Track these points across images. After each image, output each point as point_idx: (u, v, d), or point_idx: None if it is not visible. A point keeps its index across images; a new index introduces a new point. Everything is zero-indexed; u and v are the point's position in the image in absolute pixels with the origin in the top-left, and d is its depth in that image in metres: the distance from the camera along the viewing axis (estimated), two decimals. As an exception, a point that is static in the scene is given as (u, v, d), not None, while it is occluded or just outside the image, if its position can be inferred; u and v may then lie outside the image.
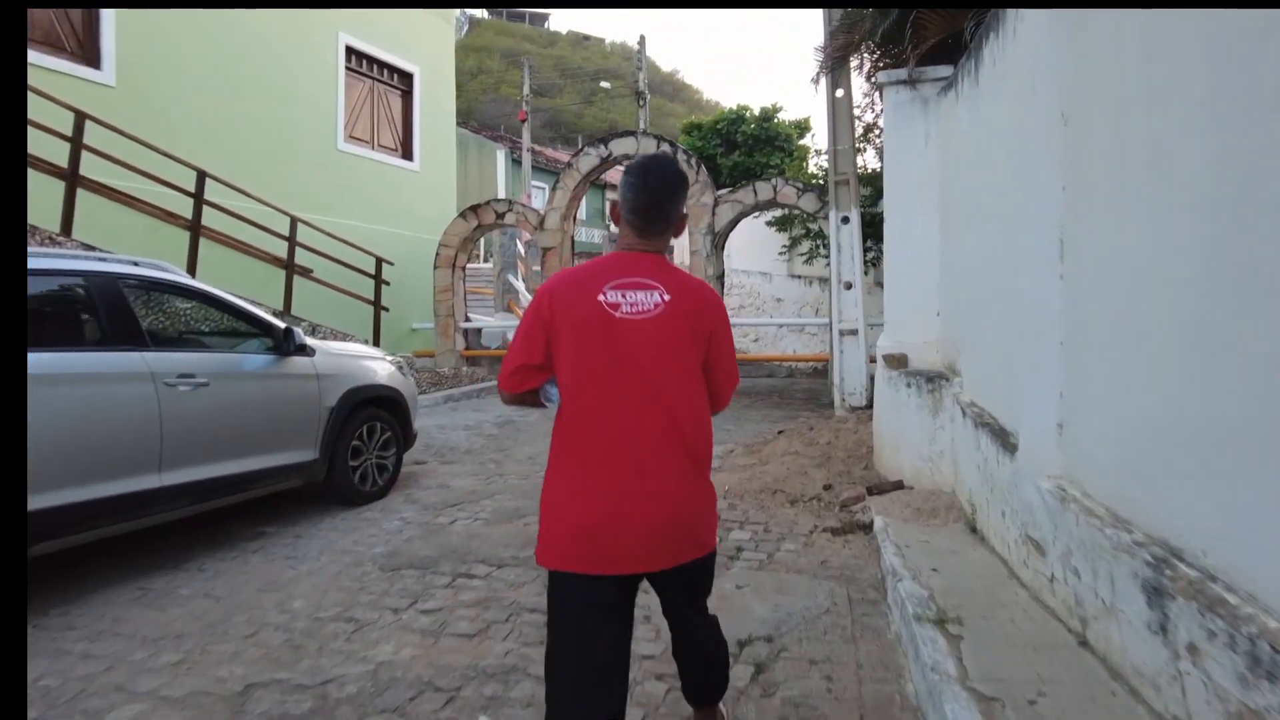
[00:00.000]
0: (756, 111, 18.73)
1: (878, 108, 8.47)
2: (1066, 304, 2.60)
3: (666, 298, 1.67)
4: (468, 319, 11.79)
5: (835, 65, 7.47)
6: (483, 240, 13.90)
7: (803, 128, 19.94)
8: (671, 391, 1.66)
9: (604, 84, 36.31)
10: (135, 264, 3.96)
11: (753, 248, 13.56)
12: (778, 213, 12.91)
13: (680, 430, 1.66)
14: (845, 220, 7.82)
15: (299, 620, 3.07)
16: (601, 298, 1.64)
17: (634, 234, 1.75)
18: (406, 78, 11.88)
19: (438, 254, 11.27)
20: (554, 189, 10.49)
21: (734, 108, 24.25)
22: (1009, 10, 3.28)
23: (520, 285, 13.37)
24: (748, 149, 17.45)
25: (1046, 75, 2.75)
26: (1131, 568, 1.98)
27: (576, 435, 1.65)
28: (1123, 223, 2.21)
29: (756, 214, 12.43)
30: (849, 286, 7.80)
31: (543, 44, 59.79)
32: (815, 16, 8.87)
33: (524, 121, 24.66)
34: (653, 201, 1.72)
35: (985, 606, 2.72)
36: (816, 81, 7.96)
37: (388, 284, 9.80)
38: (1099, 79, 2.37)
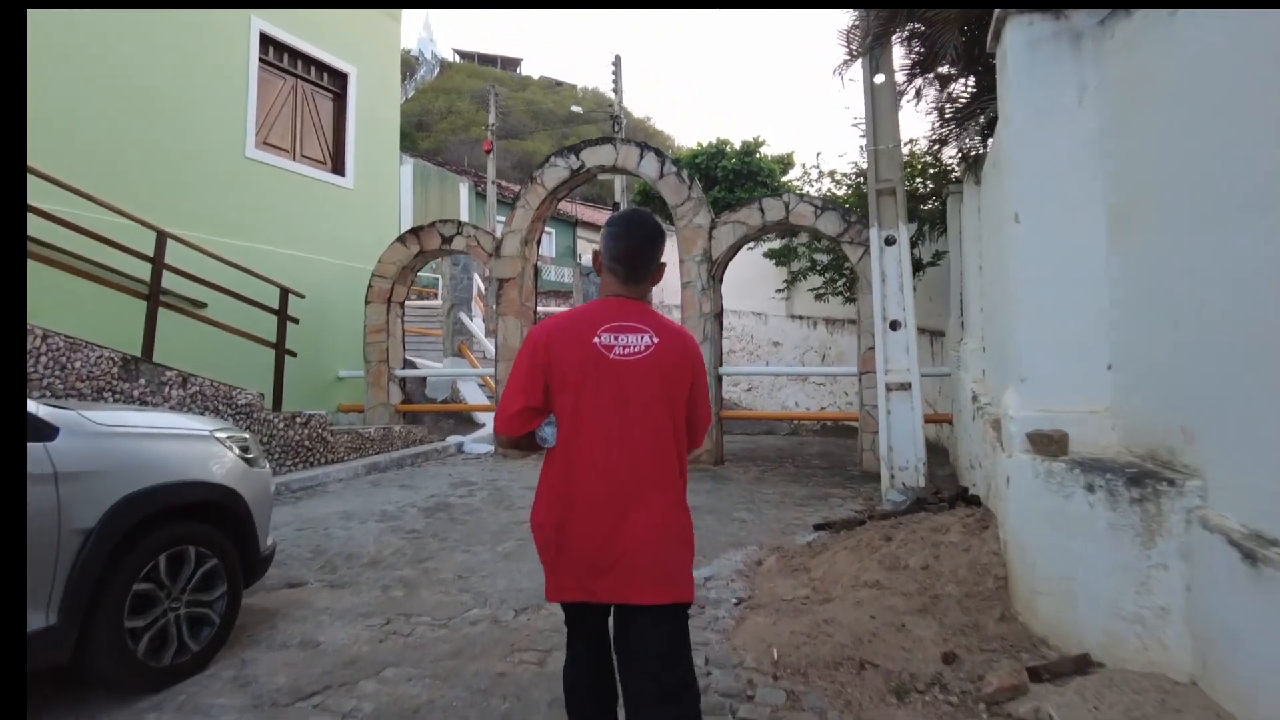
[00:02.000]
0: (738, 145, 17.33)
1: (916, 97, 6.80)
2: None
3: (655, 340, 1.82)
4: (408, 364, 9.71)
5: (875, 42, 5.77)
6: (439, 273, 11.92)
7: (786, 163, 18.58)
8: (662, 426, 1.80)
9: (575, 108, 35.12)
10: None
11: (745, 285, 11.82)
12: (777, 242, 11.21)
13: (669, 463, 1.81)
14: (890, 241, 6.04)
15: None
16: (596, 340, 1.79)
17: (618, 282, 1.89)
18: (340, 78, 10.00)
19: (370, 286, 9.25)
20: (514, 207, 8.61)
21: (714, 141, 23.02)
22: None
23: (475, 326, 11.33)
24: (728, 184, 15.98)
25: None
26: None
27: (575, 471, 1.77)
28: None
29: (762, 240, 10.71)
30: (895, 326, 5.97)
31: (514, 87, 59.79)
32: (803, 38, 7.27)
33: (489, 153, 22.98)
34: (635, 252, 1.87)
35: None
36: (845, 68, 6.27)
37: (295, 321, 7.71)
38: None
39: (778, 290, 11.72)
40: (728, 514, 5.58)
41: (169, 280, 6.50)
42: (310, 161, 9.55)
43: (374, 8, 10.62)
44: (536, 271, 8.86)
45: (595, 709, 1.91)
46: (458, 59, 66.81)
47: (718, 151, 18.20)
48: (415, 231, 9.07)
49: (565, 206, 31.60)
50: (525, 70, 66.99)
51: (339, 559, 4.53)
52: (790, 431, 10.31)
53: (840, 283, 9.56)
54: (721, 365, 7.86)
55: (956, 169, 7.66)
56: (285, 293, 7.51)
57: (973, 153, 6.90)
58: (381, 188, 10.65)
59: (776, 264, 11.38)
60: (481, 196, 23.69)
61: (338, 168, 9.96)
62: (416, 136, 43.25)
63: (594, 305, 1.85)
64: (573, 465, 1.77)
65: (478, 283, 12.79)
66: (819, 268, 9.86)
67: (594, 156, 8.23)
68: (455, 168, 28.25)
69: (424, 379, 10.51)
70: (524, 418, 1.81)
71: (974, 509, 4.25)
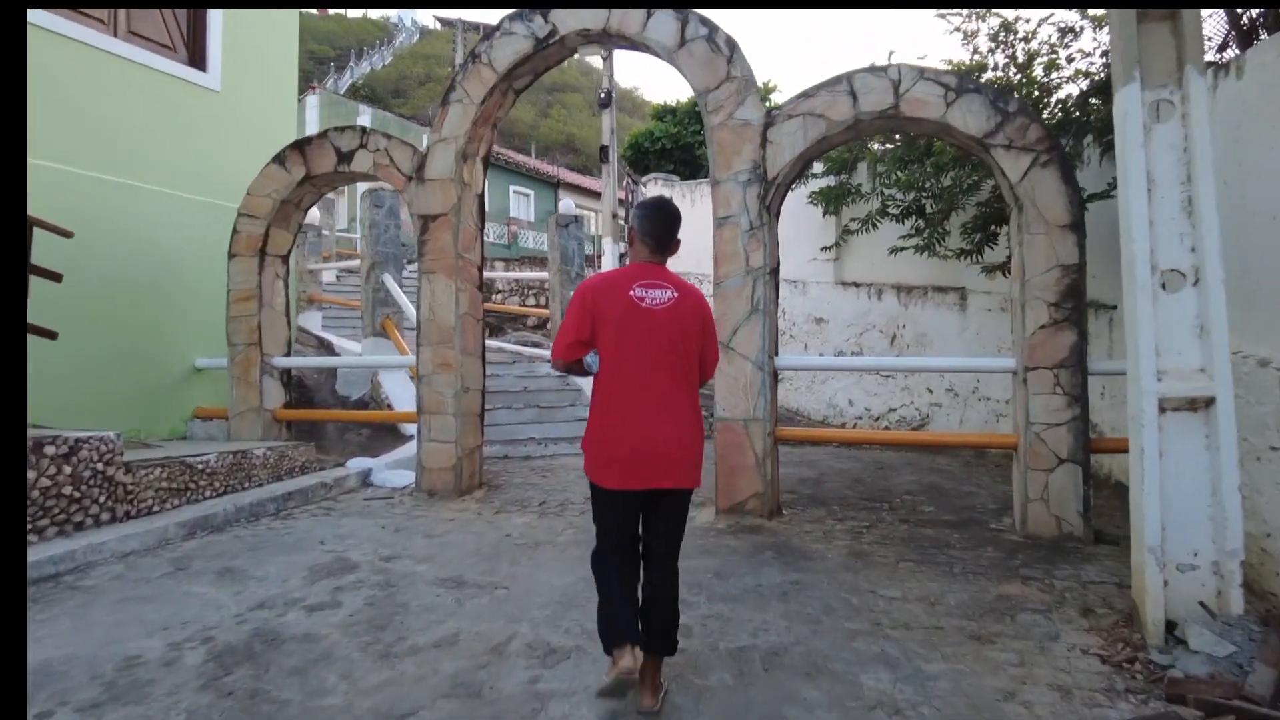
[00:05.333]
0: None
1: None
2: None
3: (675, 295, 2.45)
4: (304, 345, 6.62)
5: None
6: (361, 219, 8.77)
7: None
8: (681, 360, 2.42)
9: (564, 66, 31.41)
10: None
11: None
12: (825, 178, 8.10)
13: (688, 386, 2.46)
14: (1161, 112, 3.00)
15: None
16: (632, 293, 2.39)
17: (649, 251, 2.53)
18: (196, -77, 6.75)
19: (235, 231, 6.13)
20: (445, 103, 5.47)
21: None
22: None
23: (403, 298, 8.14)
24: None
25: None
26: None
27: (617, 390, 2.37)
28: None
29: (806, 177, 7.63)
30: (1175, 284, 2.95)
31: None
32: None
33: (455, 98, 19.63)
34: (663, 231, 2.53)
35: None
36: None
37: (56, 279, 4.54)
38: None
39: (824, 249, 8.67)
40: (848, 675, 2.60)
41: None
42: (145, 43, 6.34)
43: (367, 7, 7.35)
44: (482, 206, 5.76)
45: (621, 581, 2.39)
46: (439, 26, 62.75)
47: (725, 93, 15.56)
48: (299, 147, 5.92)
49: (546, 167, 28.28)
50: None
51: None
52: (841, 449, 7.36)
53: (945, 228, 6.48)
54: (777, 354, 4.84)
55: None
56: (29, 225, 4.33)
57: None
58: (268, 93, 7.43)
59: (825, 212, 8.35)
60: (448, 151, 20.37)
61: (195, 58, 6.74)
62: (391, 102, 40.34)
63: (631, 268, 2.50)
64: (616, 382, 2.38)
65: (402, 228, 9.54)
66: (901, 207, 6.82)
67: (573, 18, 5.10)
68: (421, 120, 24.94)
69: (334, 370, 7.40)
70: (576, 348, 2.41)
71: None
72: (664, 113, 20.45)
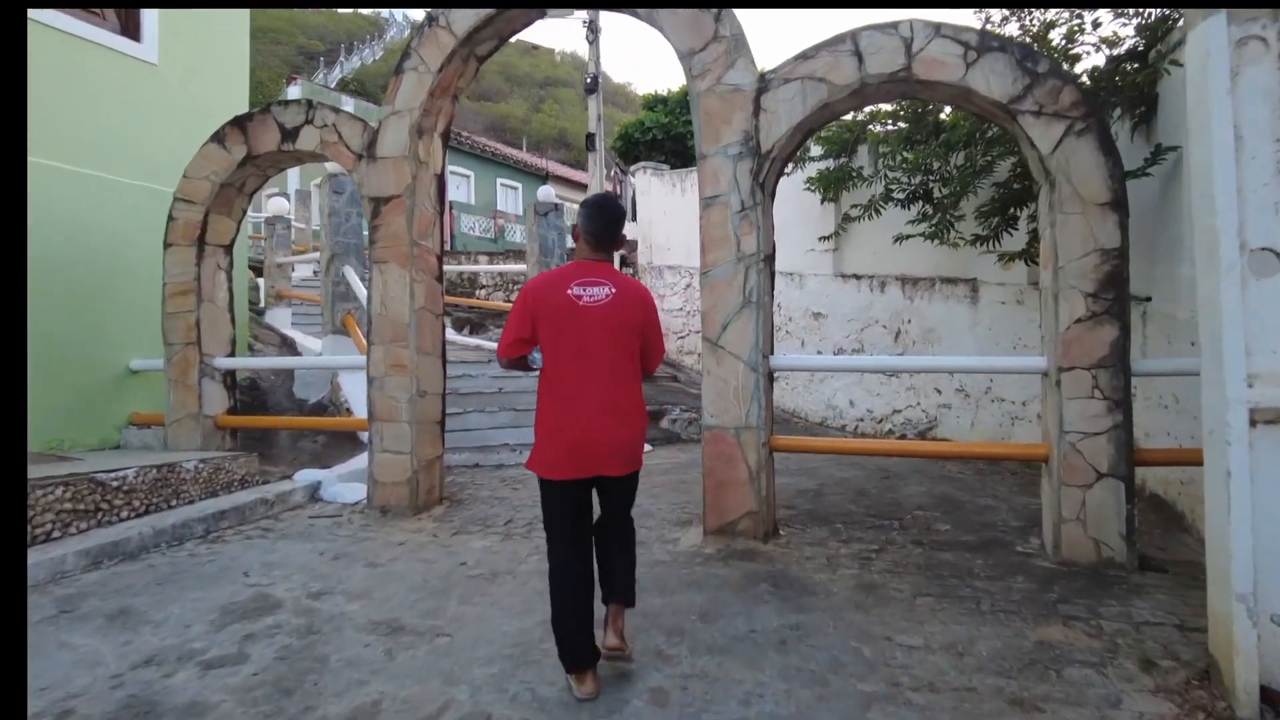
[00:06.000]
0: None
1: None
2: None
3: (613, 291, 2.50)
4: (255, 345, 6.02)
5: None
6: (323, 206, 8.14)
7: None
8: (618, 355, 2.49)
9: (554, 48, 31.05)
10: None
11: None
12: (823, 161, 7.52)
13: (625, 380, 2.52)
14: (1247, 49, 2.42)
15: None
16: (569, 291, 2.46)
17: (590, 249, 2.58)
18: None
19: (170, 219, 5.51)
20: (398, 71, 4.87)
21: None
22: None
23: (363, 290, 7.53)
24: None
25: None
26: None
27: (558, 386, 2.46)
28: None
29: (801, 160, 7.09)
30: (1257, 268, 2.37)
31: None
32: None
33: (439, 87, 18.97)
34: (602, 229, 2.58)
35: None
36: None
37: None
38: None
39: (822, 238, 8.09)
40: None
41: None
42: (70, 10, 5.70)
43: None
44: (442, 187, 5.16)
45: (577, 593, 2.48)
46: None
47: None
48: (240, 124, 5.30)
49: (534, 159, 27.62)
50: (500, 30, 62.91)
51: None
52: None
53: (956, 213, 5.89)
54: (772, 353, 4.26)
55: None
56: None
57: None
58: (214, 68, 6.80)
59: (823, 198, 7.77)
60: (432, 142, 19.71)
61: (128, 27, 6.11)
62: (381, 98, 39.75)
63: (571, 266, 2.56)
64: (557, 378, 2.46)
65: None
66: (907, 191, 6.23)
67: (540, -27, 4.50)
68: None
69: (291, 372, 6.79)
70: (518, 346, 2.49)
71: None
72: (655, 102, 19.81)
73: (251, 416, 5.91)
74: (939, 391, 6.87)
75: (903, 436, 7.04)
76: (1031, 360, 4.08)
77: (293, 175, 18.91)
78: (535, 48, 60.76)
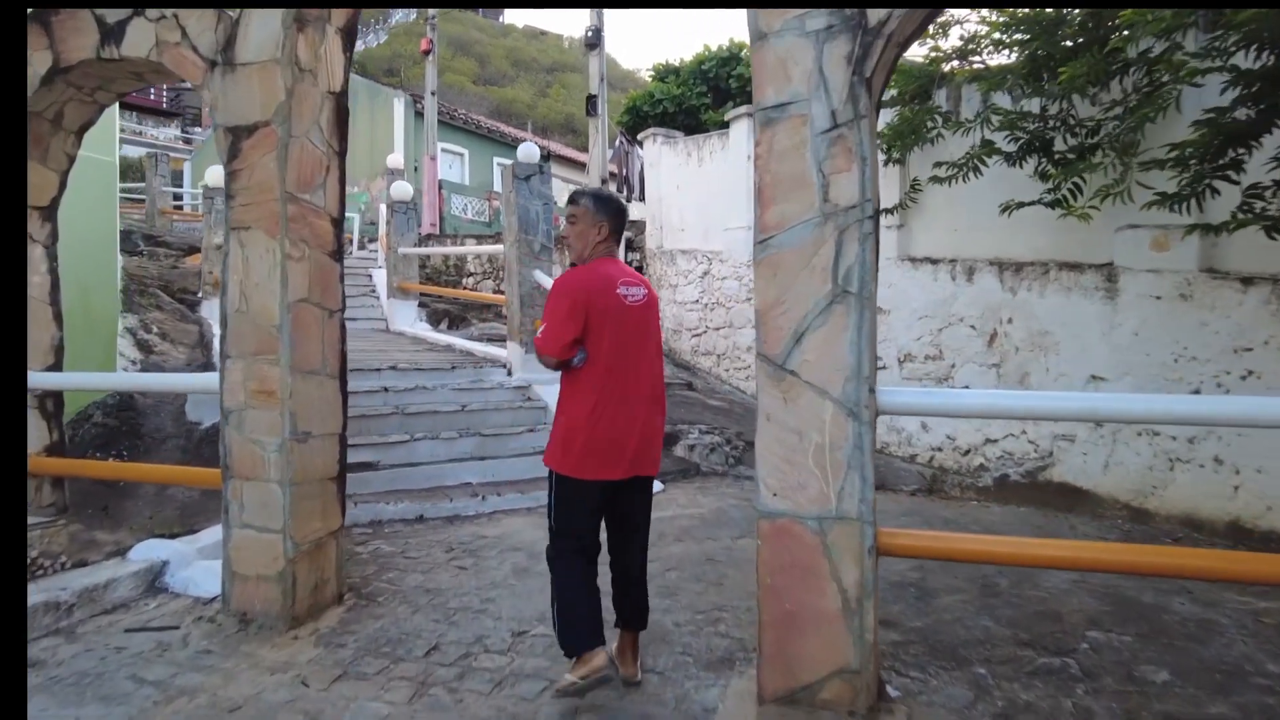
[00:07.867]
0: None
1: None
2: None
3: (645, 292, 2.56)
4: (168, 345, 4.27)
5: None
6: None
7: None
8: (653, 354, 2.58)
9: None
10: None
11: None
12: (892, 108, 5.69)
13: (658, 381, 2.58)
14: None
15: None
16: (618, 291, 2.46)
17: (612, 244, 2.59)
18: None
19: (-42, 167, 3.73)
20: (262, -77, 3.06)
21: (725, 45, 17.90)
22: None
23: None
24: (746, 98, 10.46)
25: None
26: None
27: (614, 384, 2.42)
28: None
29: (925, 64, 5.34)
30: None
31: (495, 35, 56.52)
32: None
33: (427, 54, 17.07)
34: (619, 223, 2.61)
35: None
36: None
37: None
38: None
39: (882, 212, 6.23)
40: None
41: None
42: None
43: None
44: (343, 116, 3.36)
45: (587, 583, 2.44)
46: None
47: (731, 56, 15.02)
48: (41, 20, 3.51)
49: (533, 138, 25.79)
50: (508, 18, 61.56)
51: None
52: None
53: (1089, 165, 4.07)
54: (875, 386, 2.43)
55: None
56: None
57: None
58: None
59: (887, 159, 5.96)
60: (421, 116, 17.90)
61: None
62: (384, 80, 38.50)
63: (608, 265, 2.54)
64: (611, 377, 2.43)
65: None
66: (1020, 143, 4.41)
67: None
68: (396, 83, 22.46)
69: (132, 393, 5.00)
70: (572, 349, 2.42)
71: None
72: (665, 73, 17.94)
73: (74, 462, 4.12)
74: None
75: (1003, 477, 5.21)
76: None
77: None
78: (543, 33, 59.38)
